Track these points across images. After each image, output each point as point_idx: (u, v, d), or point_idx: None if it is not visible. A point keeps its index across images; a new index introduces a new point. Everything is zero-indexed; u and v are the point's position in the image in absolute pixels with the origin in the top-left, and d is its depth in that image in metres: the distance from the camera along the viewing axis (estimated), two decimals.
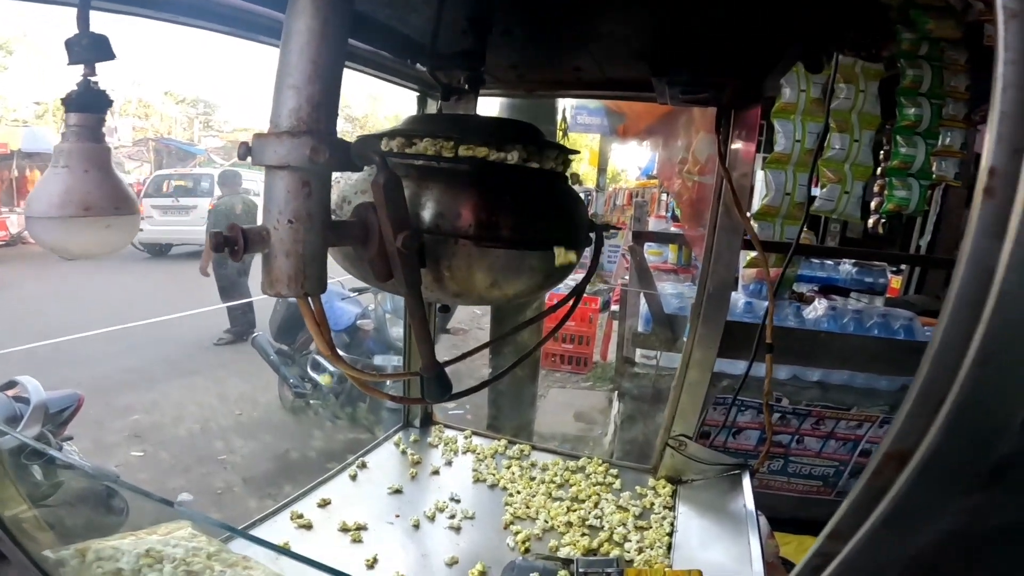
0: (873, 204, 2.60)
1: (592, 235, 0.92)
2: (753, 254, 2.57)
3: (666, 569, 1.18)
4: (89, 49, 0.70)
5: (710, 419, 2.63)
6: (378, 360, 3.95)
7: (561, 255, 0.73)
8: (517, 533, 1.29)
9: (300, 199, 0.54)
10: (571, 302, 0.95)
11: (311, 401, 4.17)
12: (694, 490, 1.51)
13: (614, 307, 4.83)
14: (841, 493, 2.80)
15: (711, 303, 1.46)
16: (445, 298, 0.78)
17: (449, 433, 1.73)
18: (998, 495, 0.27)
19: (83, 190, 0.69)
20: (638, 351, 3.03)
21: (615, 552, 1.26)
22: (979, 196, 0.25)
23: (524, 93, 1.40)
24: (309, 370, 4.18)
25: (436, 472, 1.54)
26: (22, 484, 0.83)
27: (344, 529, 1.25)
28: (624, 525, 1.35)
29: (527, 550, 1.25)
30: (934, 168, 2.35)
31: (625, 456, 2.76)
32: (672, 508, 1.44)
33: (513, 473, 1.54)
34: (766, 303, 1.57)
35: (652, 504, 1.44)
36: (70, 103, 0.71)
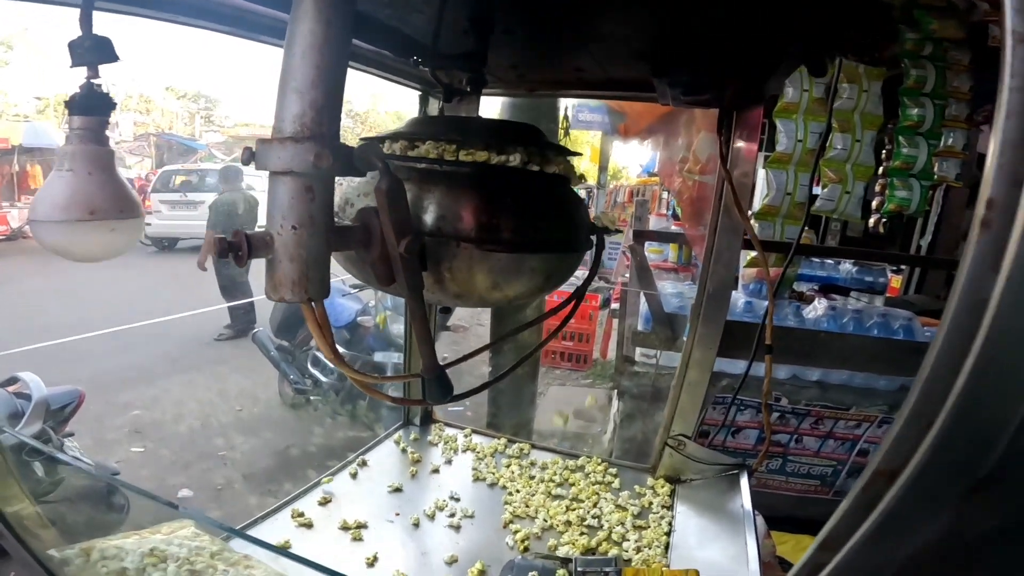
0: (874, 203, 2.59)
1: (593, 238, 0.92)
2: (753, 254, 2.57)
3: (663, 569, 1.19)
4: (92, 51, 0.70)
5: (709, 418, 2.64)
6: (378, 357, 3.95)
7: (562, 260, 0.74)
8: (516, 532, 1.30)
9: (304, 204, 0.54)
10: (572, 304, 0.95)
11: (311, 397, 4.18)
12: (692, 490, 1.52)
13: (614, 305, 4.83)
14: (839, 492, 2.81)
15: (711, 303, 1.46)
16: (446, 300, 0.78)
17: (449, 431, 1.74)
18: (978, 509, 0.28)
19: (88, 193, 0.69)
20: (638, 350, 3.04)
21: (613, 551, 1.27)
22: (976, 228, 0.25)
23: (525, 92, 1.40)
24: (309, 366, 4.19)
25: (436, 470, 1.54)
26: (24, 481, 0.83)
27: (345, 527, 1.26)
28: (623, 524, 1.35)
29: (526, 549, 1.26)
30: (936, 169, 2.34)
31: (624, 454, 2.77)
32: (670, 508, 1.44)
33: (513, 472, 1.55)
34: (766, 303, 1.57)
35: (651, 503, 1.45)
36: (73, 106, 0.71)
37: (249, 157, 0.55)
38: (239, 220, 5.87)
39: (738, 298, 2.80)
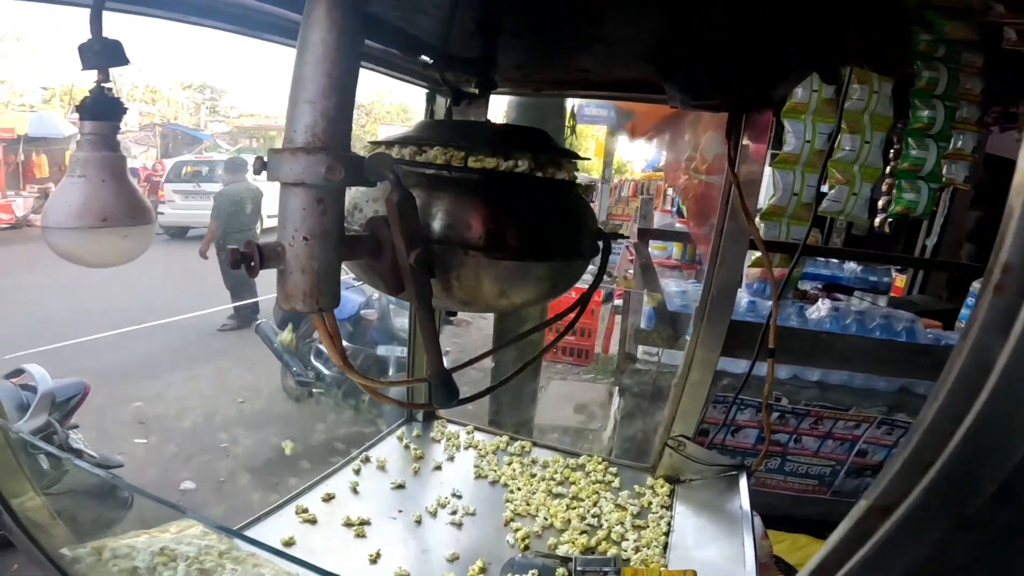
0: (881, 203, 2.59)
1: (600, 243, 0.92)
2: (759, 253, 2.57)
3: (662, 569, 1.19)
4: (102, 54, 0.69)
5: (710, 417, 2.64)
6: (381, 350, 3.96)
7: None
8: (517, 530, 1.31)
9: (315, 216, 0.54)
10: (576, 311, 0.95)
11: (314, 390, 4.20)
12: (692, 490, 1.52)
13: (617, 301, 4.84)
14: (836, 492, 2.82)
15: (715, 306, 1.46)
16: (453, 305, 0.79)
17: (451, 428, 1.75)
18: (961, 544, 0.31)
19: (100, 200, 0.69)
20: (640, 347, 3.04)
21: (612, 551, 1.28)
22: (989, 290, 0.26)
23: (531, 92, 1.39)
24: (312, 358, 4.20)
25: (438, 467, 1.55)
26: (31, 476, 0.85)
27: (348, 524, 1.27)
28: (622, 524, 1.36)
29: (526, 547, 1.27)
30: (944, 171, 2.34)
31: (624, 452, 2.78)
32: (669, 508, 1.45)
33: (514, 470, 1.55)
34: (769, 302, 1.57)
35: (650, 503, 1.45)
36: (84, 111, 0.71)
37: (261, 167, 0.55)
38: (243, 211, 5.89)
39: (742, 297, 2.80)
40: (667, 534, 1.34)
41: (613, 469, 1.59)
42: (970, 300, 2.87)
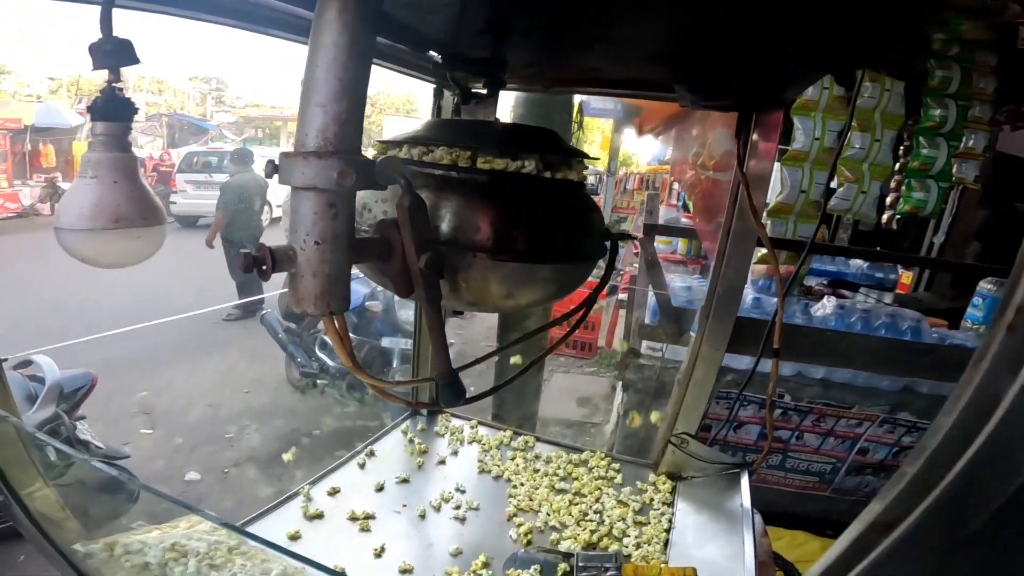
0: (889, 199, 2.57)
1: (607, 244, 0.92)
2: (765, 250, 2.56)
3: (662, 565, 1.20)
4: (113, 54, 0.70)
5: (713, 412, 2.65)
6: (385, 342, 3.97)
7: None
8: (520, 525, 1.32)
9: (326, 220, 0.54)
10: (582, 312, 0.96)
11: (318, 381, 4.22)
12: (693, 487, 1.53)
13: (621, 295, 4.83)
14: (836, 489, 2.83)
15: (721, 305, 1.46)
16: (460, 306, 0.79)
17: (455, 422, 1.76)
18: (958, 562, 0.33)
19: (113, 201, 0.69)
20: (644, 343, 3.05)
21: (614, 547, 1.29)
22: (1002, 329, 0.27)
23: (540, 89, 1.39)
24: (317, 350, 4.22)
25: (442, 462, 1.56)
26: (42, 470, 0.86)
27: (353, 518, 1.28)
28: (624, 520, 1.37)
29: (529, 543, 1.28)
30: (954, 170, 2.32)
31: (626, 449, 2.79)
32: (671, 504, 1.46)
33: (517, 465, 1.56)
34: (775, 299, 1.57)
35: (652, 500, 1.46)
36: (95, 111, 0.71)
37: (272, 171, 0.56)
38: (249, 202, 5.91)
39: (747, 294, 2.79)
40: (668, 531, 1.35)
41: (616, 465, 1.60)
42: (976, 299, 2.85)
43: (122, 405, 3.90)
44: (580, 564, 1.17)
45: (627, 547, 1.29)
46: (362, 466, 1.51)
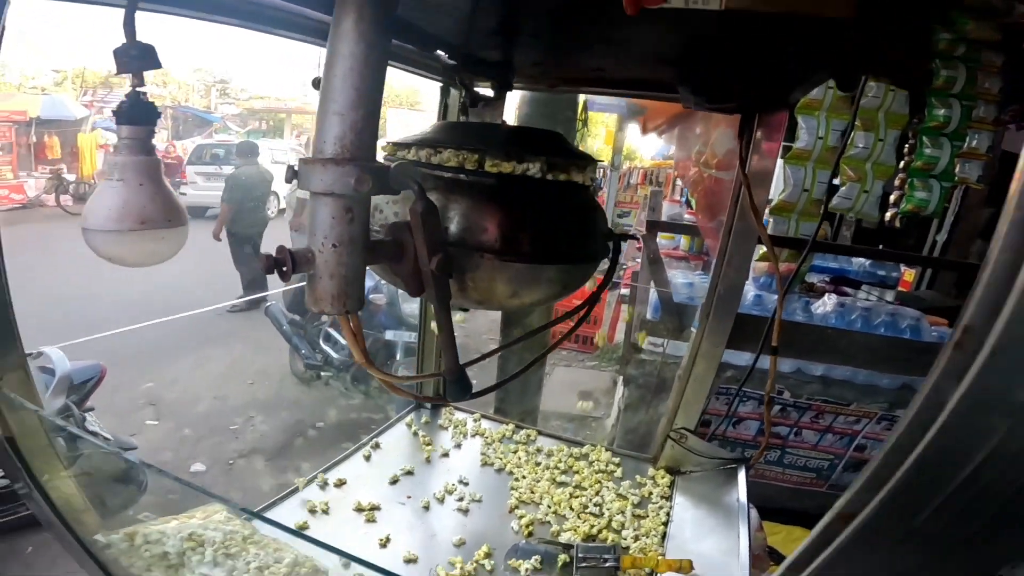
0: (893, 197, 2.57)
1: (610, 244, 0.94)
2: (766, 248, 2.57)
3: (659, 557, 1.23)
4: (137, 59, 0.72)
5: (712, 408, 2.67)
6: (389, 335, 4.00)
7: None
8: (522, 517, 1.34)
9: (343, 224, 0.57)
10: (584, 310, 0.98)
11: (322, 373, 4.24)
12: (691, 482, 1.56)
13: (624, 290, 4.84)
14: (833, 486, 2.86)
15: (721, 302, 1.48)
16: (468, 304, 0.82)
17: (459, 415, 1.78)
18: (908, 551, 0.37)
19: (139, 204, 0.72)
20: (645, 338, 3.06)
21: (613, 539, 1.32)
22: (950, 347, 0.31)
23: (546, 88, 1.40)
24: (321, 342, 4.24)
25: (446, 454, 1.59)
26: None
27: (359, 509, 1.31)
28: (623, 513, 1.40)
29: (530, 534, 1.31)
30: (957, 170, 2.32)
31: (626, 442, 2.82)
32: (669, 498, 1.48)
33: (520, 458, 1.59)
34: (775, 296, 1.58)
35: (650, 493, 1.49)
36: (121, 115, 0.74)
37: (292, 176, 0.58)
38: (254, 194, 5.94)
39: (749, 291, 2.81)
40: (666, 524, 1.38)
41: (616, 459, 1.63)
42: None
43: (128, 397, 3.93)
44: (580, 555, 1.20)
45: (626, 539, 1.32)
46: (368, 458, 1.54)
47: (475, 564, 1.19)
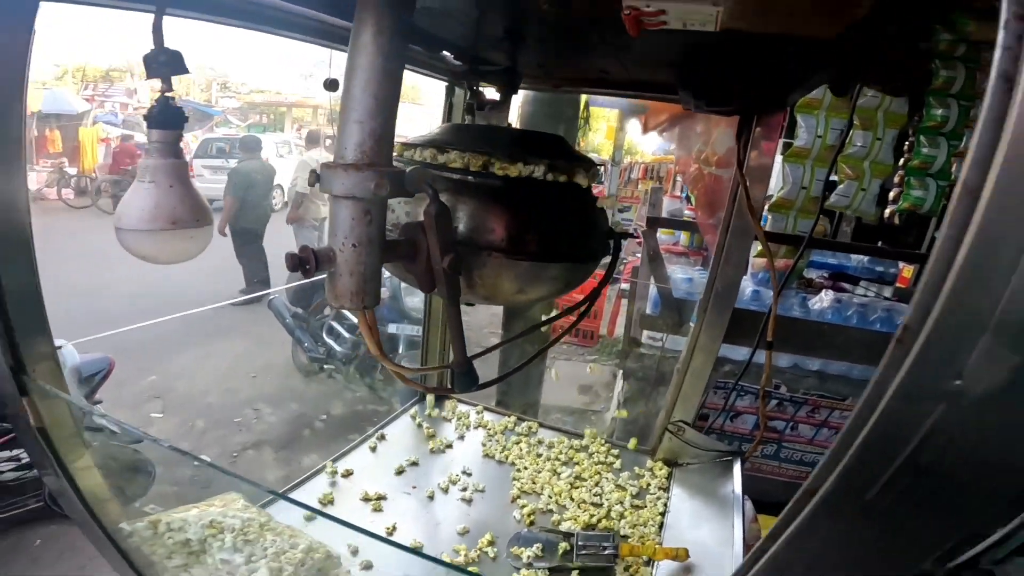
0: (892, 194, 2.59)
1: (611, 242, 0.98)
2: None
3: (656, 546, 1.26)
4: (166, 64, 0.76)
5: (710, 402, 2.71)
6: (392, 328, 4.02)
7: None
8: (523, 507, 1.38)
9: (363, 226, 0.61)
10: (586, 306, 1.01)
11: (324, 366, 4.26)
12: (688, 473, 1.59)
13: (624, 285, 4.88)
14: None
15: (719, 298, 1.51)
16: (475, 300, 0.85)
17: (462, 408, 1.82)
18: (864, 523, 0.41)
19: (170, 205, 0.76)
20: (645, 332, 3.10)
21: (612, 528, 1.35)
22: (893, 343, 0.36)
23: (549, 89, 1.43)
24: (324, 335, 4.26)
25: (449, 446, 1.63)
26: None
27: (366, 499, 1.35)
28: (621, 503, 1.44)
29: (532, 523, 1.35)
30: (954, 169, 2.35)
31: (626, 434, 2.86)
32: (666, 489, 1.52)
33: (521, 449, 1.63)
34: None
35: (648, 485, 1.52)
36: (151, 120, 0.78)
37: (314, 180, 0.62)
38: (256, 188, 5.96)
39: (747, 286, 2.85)
40: (663, 514, 1.42)
41: (615, 451, 1.66)
42: None
43: (133, 390, 3.96)
44: (580, 543, 1.24)
45: (624, 528, 1.35)
46: (373, 449, 1.57)
47: (479, 551, 1.23)
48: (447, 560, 1.20)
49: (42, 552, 2.65)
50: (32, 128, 12.54)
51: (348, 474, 1.44)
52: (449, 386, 0.78)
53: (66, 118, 12.94)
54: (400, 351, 4.01)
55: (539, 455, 1.62)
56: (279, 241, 6.14)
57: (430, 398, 1.82)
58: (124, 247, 0.78)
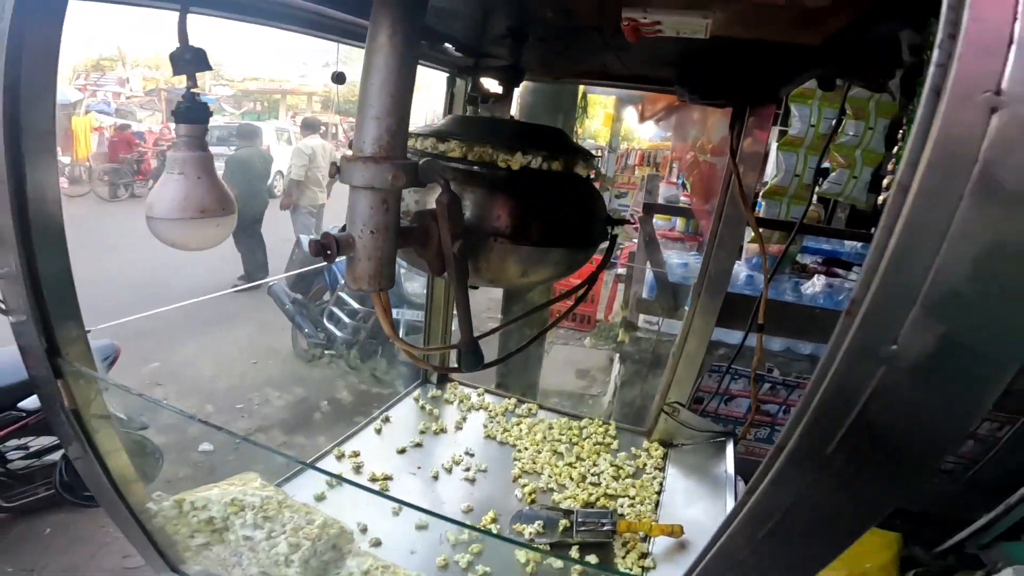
0: (885, 181, 2.64)
1: (609, 228, 1.02)
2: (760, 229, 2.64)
3: (652, 523, 1.31)
4: (191, 62, 0.80)
5: (705, 386, 2.76)
6: (393, 313, 4.03)
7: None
8: (524, 486, 1.43)
9: (380, 214, 0.65)
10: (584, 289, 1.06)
11: (325, 352, 4.28)
12: (683, 454, 1.64)
13: (620, 270, 4.92)
14: None
15: (712, 283, 1.54)
16: (481, 283, 0.90)
17: (463, 390, 1.86)
18: (825, 476, 0.47)
19: (198, 195, 0.81)
20: (641, 316, 3.15)
21: (610, 506, 1.40)
22: (843, 315, 0.41)
23: (550, 80, 1.46)
24: (325, 320, 4.27)
25: (454, 427, 1.68)
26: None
27: (373, 479, 1.40)
28: (618, 482, 1.49)
29: (533, 501, 1.40)
30: None
31: (623, 417, 2.91)
32: (662, 469, 1.57)
33: (521, 431, 1.67)
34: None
35: (645, 464, 1.57)
36: (179, 115, 0.82)
37: (335, 172, 0.66)
38: (254, 175, 5.95)
39: (741, 271, 2.88)
40: (659, 493, 1.47)
41: (612, 432, 1.71)
42: None
43: (134, 377, 3.96)
44: (579, 520, 1.29)
45: (621, 506, 1.40)
46: (379, 431, 1.62)
47: (483, 528, 1.27)
48: (452, 538, 1.24)
49: (52, 540, 2.66)
50: None
51: (355, 455, 1.48)
52: (456, 365, 0.82)
53: (59, 107, 12.81)
54: (401, 335, 4.02)
55: (539, 436, 1.66)
56: (276, 228, 6.16)
57: (433, 380, 1.86)
58: (155, 235, 0.83)
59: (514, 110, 1.21)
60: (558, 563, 1.22)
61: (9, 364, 2.54)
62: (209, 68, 0.81)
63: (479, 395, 1.85)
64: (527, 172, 0.83)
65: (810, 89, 2.41)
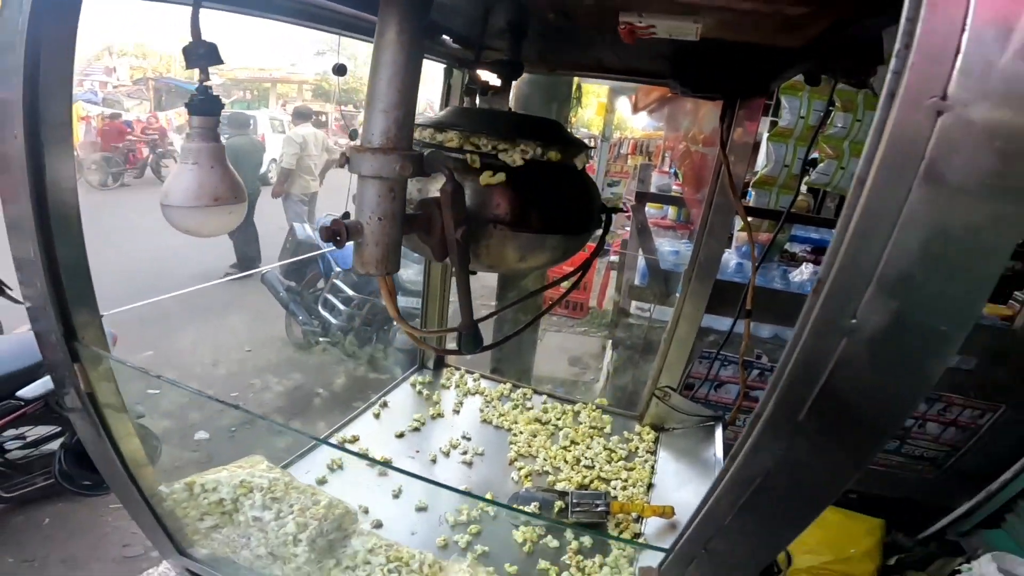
0: None
1: (603, 216, 1.06)
2: (749, 218, 2.69)
3: (644, 504, 1.36)
4: (204, 56, 0.82)
5: (695, 372, 2.82)
6: None
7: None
8: (520, 469, 1.48)
9: (387, 202, 0.69)
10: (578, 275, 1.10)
11: (320, 339, 4.30)
12: (674, 437, 1.69)
13: (613, 257, 4.96)
14: None
15: (702, 270, 1.59)
16: (481, 268, 0.94)
17: (460, 375, 1.90)
18: (799, 442, 0.51)
19: (212, 184, 0.84)
20: (633, 303, 3.19)
21: (603, 488, 1.45)
22: (811, 293, 0.46)
23: (546, 71, 1.48)
24: (319, 308, 4.29)
25: (451, 412, 1.72)
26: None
27: (372, 463, 1.43)
28: (611, 464, 1.53)
29: (529, 483, 1.44)
30: None
31: (616, 402, 2.96)
32: (654, 452, 1.62)
33: (517, 415, 1.72)
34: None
35: (637, 448, 1.62)
36: (193, 107, 0.85)
37: (344, 162, 0.69)
38: (246, 164, 5.92)
39: (731, 259, 2.93)
40: (651, 475, 1.52)
41: (606, 416, 1.76)
42: None
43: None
44: (574, 501, 1.33)
45: (614, 489, 1.45)
46: (377, 416, 1.65)
47: (479, 510, 1.32)
48: (450, 519, 1.29)
49: (51, 530, 2.67)
50: None
51: (355, 440, 1.52)
52: (457, 347, 0.86)
53: None
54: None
55: (535, 420, 1.70)
56: (269, 216, 6.13)
57: (430, 366, 1.90)
58: (171, 222, 0.86)
59: (510, 99, 1.24)
60: (554, 543, 1.27)
61: (6, 353, 2.55)
62: (221, 62, 0.84)
63: (475, 380, 1.89)
64: (526, 162, 0.87)
65: (800, 82, 2.44)
